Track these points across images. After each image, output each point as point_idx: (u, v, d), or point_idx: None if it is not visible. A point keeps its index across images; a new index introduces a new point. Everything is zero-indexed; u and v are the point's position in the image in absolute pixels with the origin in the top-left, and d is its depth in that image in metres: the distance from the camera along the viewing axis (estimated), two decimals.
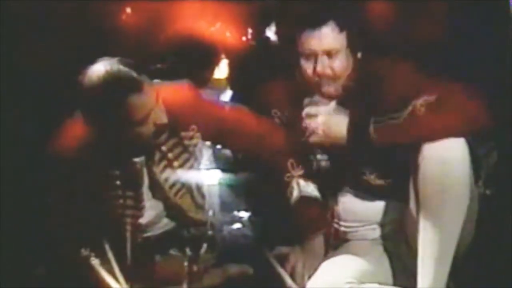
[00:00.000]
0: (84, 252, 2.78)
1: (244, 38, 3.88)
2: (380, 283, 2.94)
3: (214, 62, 3.83)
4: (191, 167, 2.93)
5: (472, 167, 2.81)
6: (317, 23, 2.91)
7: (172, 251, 2.87)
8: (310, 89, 3.00)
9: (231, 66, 3.88)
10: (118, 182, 2.82)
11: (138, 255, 2.84)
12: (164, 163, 2.87)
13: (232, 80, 3.87)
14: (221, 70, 3.88)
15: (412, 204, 2.85)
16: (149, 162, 2.85)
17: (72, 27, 3.43)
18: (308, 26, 2.91)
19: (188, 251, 2.84)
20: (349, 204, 3.05)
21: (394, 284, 2.98)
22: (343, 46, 2.94)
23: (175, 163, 2.88)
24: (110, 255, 2.79)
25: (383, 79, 2.94)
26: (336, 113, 2.94)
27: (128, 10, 3.72)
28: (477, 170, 2.84)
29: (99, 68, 2.66)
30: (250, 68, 3.78)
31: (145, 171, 2.85)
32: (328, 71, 2.93)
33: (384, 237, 3.05)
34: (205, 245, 2.87)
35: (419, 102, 2.79)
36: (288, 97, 3.06)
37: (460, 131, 2.77)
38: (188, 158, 2.91)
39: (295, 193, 2.99)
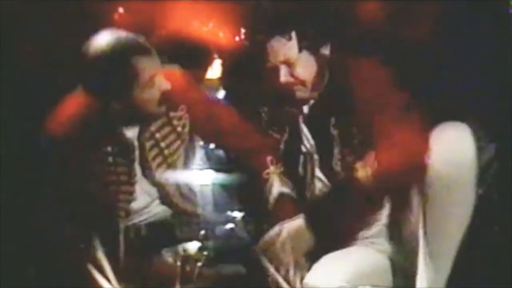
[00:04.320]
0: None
1: (237, 38, 3.87)
2: (372, 285, 2.93)
3: (207, 62, 3.82)
4: (177, 149, 2.97)
5: None
6: (266, 38, 2.93)
7: (165, 251, 2.86)
8: (284, 97, 3.01)
9: (224, 66, 3.87)
10: (110, 159, 2.88)
11: (131, 254, 2.84)
12: (152, 142, 2.92)
13: (225, 80, 3.85)
14: (214, 70, 3.87)
15: (415, 203, 2.85)
16: (141, 137, 2.91)
17: (66, 26, 3.42)
18: (261, 41, 2.94)
19: (181, 251, 2.83)
20: None
21: (388, 285, 2.97)
22: (297, 53, 2.95)
23: (162, 144, 2.94)
24: (102, 254, 2.79)
25: (354, 79, 2.97)
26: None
27: (121, 10, 3.72)
28: None
29: (107, 34, 2.76)
30: (243, 68, 3.78)
31: (136, 145, 2.90)
32: (291, 80, 2.95)
33: (376, 236, 3.05)
34: (198, 245, 2.86)
35: (362, 172, 2.84)
36: (275, 95, 3.07)
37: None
38: (175, 139, 2.97)
39: (274, 190, 2.99)
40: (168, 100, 2.85)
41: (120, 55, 2.73)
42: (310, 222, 2.88)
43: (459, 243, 2.81)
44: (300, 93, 2.99)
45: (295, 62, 2.94)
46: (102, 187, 2.90)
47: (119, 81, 2.74)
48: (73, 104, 2.89)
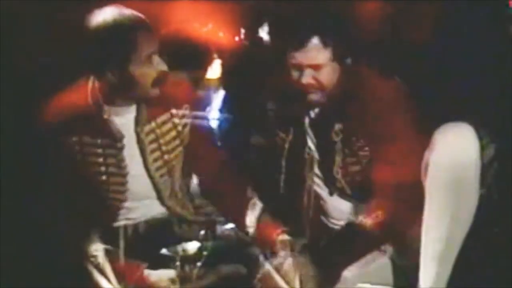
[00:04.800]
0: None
1: (236, 38, 3.88)
2: (371, 283, 2.94)
3: (207, 62, 3.82)
4: (175, 148, 2.98)
5: None
6: (302, 39, 2.92)
7: (164, 251, 2.85)
8: (297, 94, 3.01)
9: (224, 66, 3.87)
10: (100, 150, 2.89)
11: (130, 254, 2.84)
12: (152, 136, 2.94)
13: (225, 80, 3.86)
14: (214, 70, 3.87)
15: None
16: (138, 128, 2.92)
17: (65, 27, 3.42)
18: (293, 40, 2.92)
19: (180, 251, 2.83)
20: (336, 202, 3.06)
21: (387, 284, 2.97)
22: (329, 60, 2.96)
23: (161, 140, 2.95)
24: (102, 254, 2.80)
25: (364, 90, 2.98)
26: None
27: None
28: None
29: (111, 8, 2.81)
30: (243, 68, 3.78)
31: (132, 136, 2.93)
32: (313, 83, 2.95)
33: None
34: (197, 245, 2.86)
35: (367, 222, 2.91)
36: (283, 91, 3.07)
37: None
38: (175, 137, 2.98)
39: (257, 208, 3.00)
40: (163, 81, 2.87)
41: (121, 27, 2.78)
42: (313, 258, 2.90)
43: (461, 243, 2.80)
44: (314, 95, 2.98)
45: (323, 68, 2.95)
46: (94, 180, 2.91)
47: (117, 53, 2.78)
48: (67, 97, 2.92)
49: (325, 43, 2.94)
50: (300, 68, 2.95)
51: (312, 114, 3.06)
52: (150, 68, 2.83)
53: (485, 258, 2.90)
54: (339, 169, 3.02)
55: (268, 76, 3.20)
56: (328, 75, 2.97)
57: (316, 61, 2.94)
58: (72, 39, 2.91)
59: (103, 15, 2.79)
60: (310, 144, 3.07)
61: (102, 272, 2.79)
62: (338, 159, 3.01)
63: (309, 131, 3.07)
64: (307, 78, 2.95)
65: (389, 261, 2.99)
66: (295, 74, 2.98)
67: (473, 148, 2.78)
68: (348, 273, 2.89)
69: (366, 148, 2.99)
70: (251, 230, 2.95)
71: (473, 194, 2.78)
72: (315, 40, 2.93)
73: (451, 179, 2.76)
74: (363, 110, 2.97)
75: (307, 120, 3.08)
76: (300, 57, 2.94)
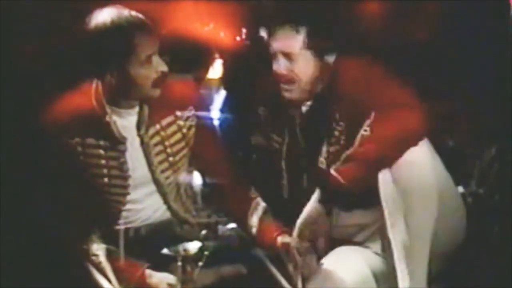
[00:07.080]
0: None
1: (238, 38, 3.88)
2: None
3: (208, 62, 3.82)
4: (181, 150, 2.98)
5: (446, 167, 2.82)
6: (273, 25, 2.93)
7: (165, 251, 2.86)
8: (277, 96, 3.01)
9: (225, 66, 3.87)
10: (102, 151, 2.89)
11: (131, 253, 2.84)
12: (157, 139, 2.93)
13: (226, 80, 3.86)
14: (215, 70, 3.88)
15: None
16: (141, 131, 2.91)
17: (65, 26, 3.43)
18: (266, 28, 2.93)
19: (181, 250, 2.83)
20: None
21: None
22: (301, 48, 2.94)
23: (167, 142, 2.95)
24: (102, 254, 2.80)
25: (355, 87, 2.94)
26: None
27: None
28: (468, 170, 2.83)
29: (110, 9, 2.81)
30: (244, 68, 3.78)
31: (136, 138, 2.92)
32: (285, 73, 2.93)
33: (369, 241, 3.03)
34: (199, 245, 2.86)
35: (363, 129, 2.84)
36: (274, 94, 3.06)
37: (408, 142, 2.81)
38: (180, 139, 2.97)
39: (260, 208, 2.99)
40: (163, 82, 2.86)
41: (120, 28, 2.77)
42: None
43: (428, 248, 2.80)
44: (288, 93, 2.97)
45: (296, 57, 2.93)
46: (96, 182, 2.91)
47: (115, 54, 2.78)
48: (71, 98, 2.92)
49: (296, 29, 2.92)
50: (275, 56, 2.94)
51: (303, 112, 3.03)
52: (150, 69, 2.82)
53: (485, 258, 2.91)
54: (324, 159, 3.00)
55: (258, 79, 3.19)
56: (302, 66, 2.94)
57: (288, 48, 2.93)
58: (70, 40, 2.91)
59: (101, 17, 2.79)
60: (303, 145, 3.05)
61: (103, 272, 2.80)
62: (324, 149, 2.99)
63: (299, 131, 3.05)
64: (279, 67, 2.93)
65: (384, 263, 3.00)
66: (274, 66, 2.96)
67: (420, 147, 2.78)
68: (345, 276, 2.88)
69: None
70: (253, 230, 2.96)
71: (429, 191, 2.78)
72: (286, 25, 2.92)
73: (400, 178, 2.77)
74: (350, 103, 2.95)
75: (298, 121, 3.05)
76: (275, 44, 2.94)
